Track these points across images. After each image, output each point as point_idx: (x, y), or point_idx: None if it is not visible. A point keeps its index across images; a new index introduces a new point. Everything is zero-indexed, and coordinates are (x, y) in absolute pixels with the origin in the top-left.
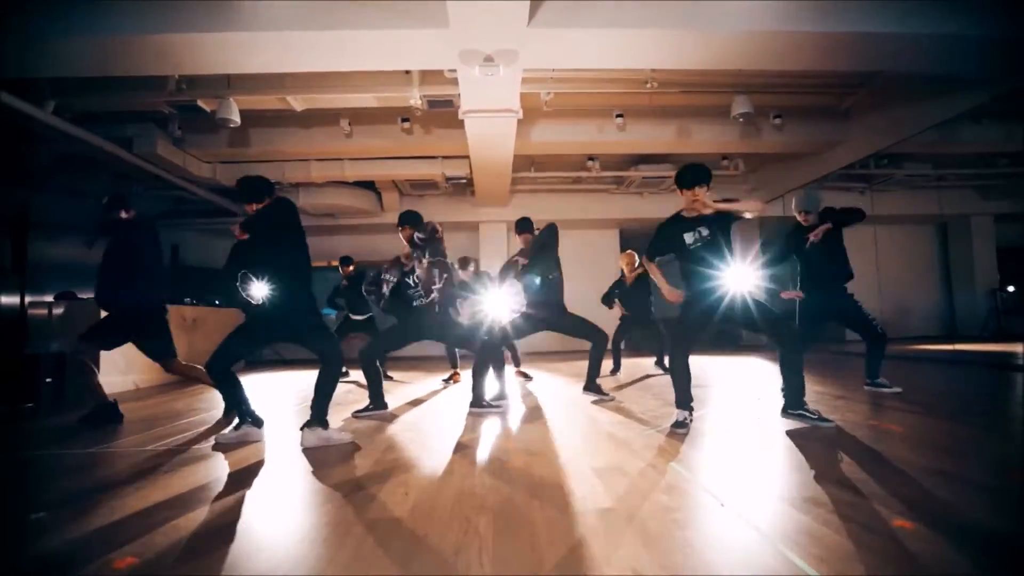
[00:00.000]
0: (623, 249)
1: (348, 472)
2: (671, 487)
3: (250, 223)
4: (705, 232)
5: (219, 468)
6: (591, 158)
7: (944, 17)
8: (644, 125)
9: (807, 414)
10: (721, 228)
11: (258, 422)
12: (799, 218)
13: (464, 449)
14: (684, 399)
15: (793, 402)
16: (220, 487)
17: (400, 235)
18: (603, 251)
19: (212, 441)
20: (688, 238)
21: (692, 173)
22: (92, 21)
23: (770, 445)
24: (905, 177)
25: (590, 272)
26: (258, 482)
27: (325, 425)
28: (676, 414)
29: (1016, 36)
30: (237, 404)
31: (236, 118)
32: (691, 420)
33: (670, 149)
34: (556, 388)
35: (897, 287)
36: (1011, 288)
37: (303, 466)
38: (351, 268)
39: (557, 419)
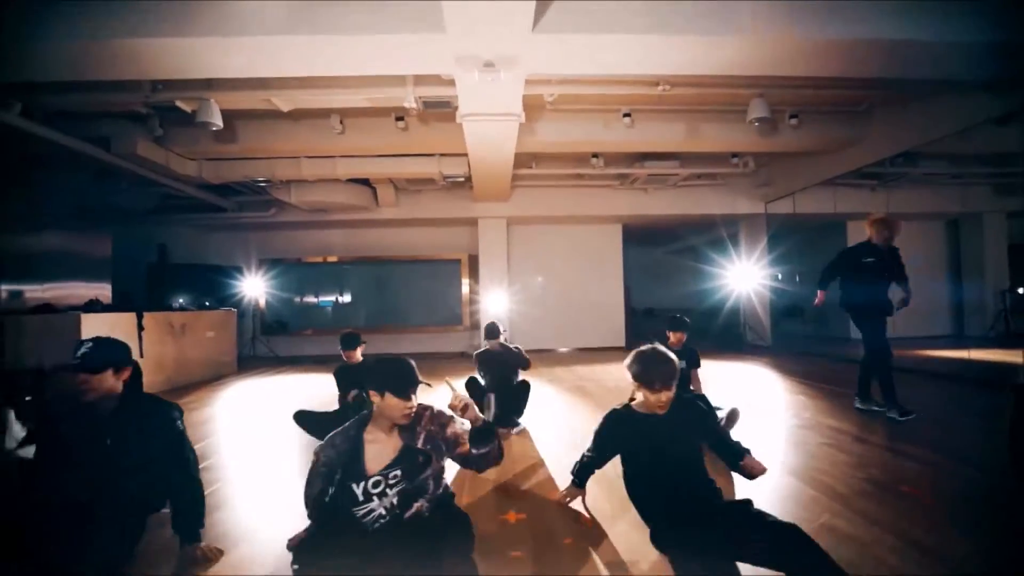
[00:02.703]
0: (625, 244)
1: None
2: None
3: None
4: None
5: None
6: (595, 155)
7: (965, 24)
8: (652, 123)
9: None
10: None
11: None
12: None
13: None
14: None
15: None
16: None
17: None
18: (605, 246)
19: None
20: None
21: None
22: (61, 26)
23: None
24: (920, 175)
25: (591, 267)
26: None
27: None
28: None
29: None
30: None
31: (218, 121)
32: None
33: (679, 148)
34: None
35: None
36: (1021, 290)
37: None
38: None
39: None
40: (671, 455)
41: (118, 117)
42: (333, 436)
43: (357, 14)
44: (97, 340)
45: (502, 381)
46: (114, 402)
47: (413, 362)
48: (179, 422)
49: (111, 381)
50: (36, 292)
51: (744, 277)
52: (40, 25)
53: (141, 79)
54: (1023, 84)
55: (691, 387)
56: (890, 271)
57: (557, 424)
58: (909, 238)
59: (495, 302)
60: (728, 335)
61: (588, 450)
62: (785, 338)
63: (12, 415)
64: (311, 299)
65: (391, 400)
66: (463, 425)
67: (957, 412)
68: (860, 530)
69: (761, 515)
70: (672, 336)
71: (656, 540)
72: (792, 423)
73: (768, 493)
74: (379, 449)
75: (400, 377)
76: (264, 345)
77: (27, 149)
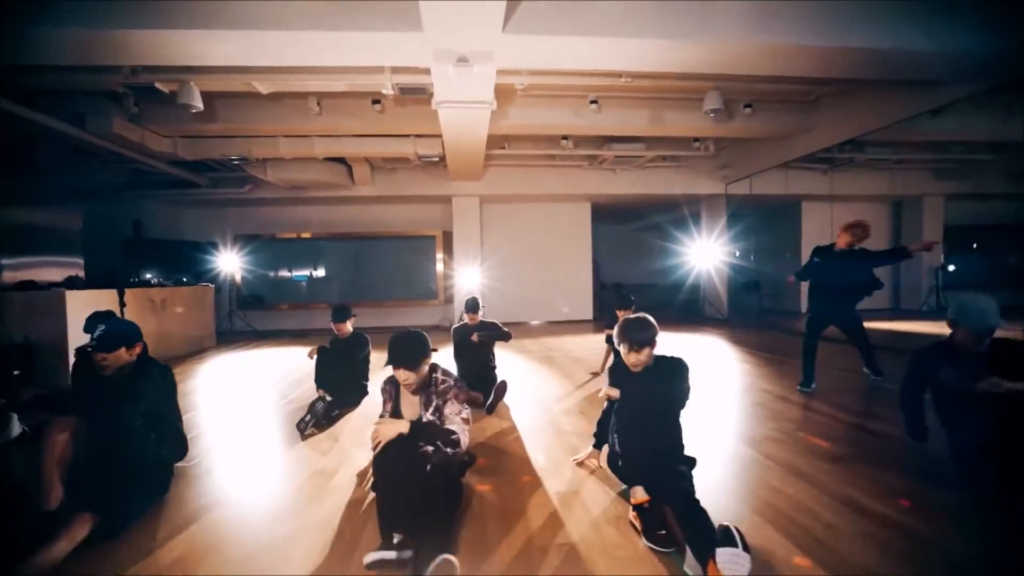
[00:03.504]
0: (594, 222)
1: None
2: None
3: None
4: None
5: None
6: (565, 137)
7: (906, 33)
8: (618, 110)
9: None
10: None
11: None
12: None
13: None
14: None
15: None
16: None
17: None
18: (575, 224)
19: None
20: None
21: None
22: (51, 13)
23: None
24: (866, 160)
25: (561, 243)
26: None
27: None
28: None
29: (965, 51)
30: None
31: (198, 103)
32: None
33: (644, 132)
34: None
35: None
36: (952, 267)
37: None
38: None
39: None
40: (643, 408)
41: (94, 95)
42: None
43: (338, 13)
44: (109, 323)
45: (476, 357)
46: (127, 370)
47: (423, 336)
48: (173, 379)
49: (124, 356)
50: (8, 265)
51: (704, 254)
52: (31, 12)
53: (125, 65)
54: (956, 82)
55: None
56: (858, 271)
57: (526, 389)
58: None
59: (469, 277)
60: (688, 308)
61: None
62: (742, 311)
63: (15, 417)
64: (285, 274)
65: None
66: (464, 410)
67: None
68: (757, 464)
69: (685, 477)
70: (620, 312)
71: (615, 471)
72: (735, 386)
73: (701, 438)
74: (409, 403)
75: (389, 351)
76: (241, 319)
77: (4, 128)
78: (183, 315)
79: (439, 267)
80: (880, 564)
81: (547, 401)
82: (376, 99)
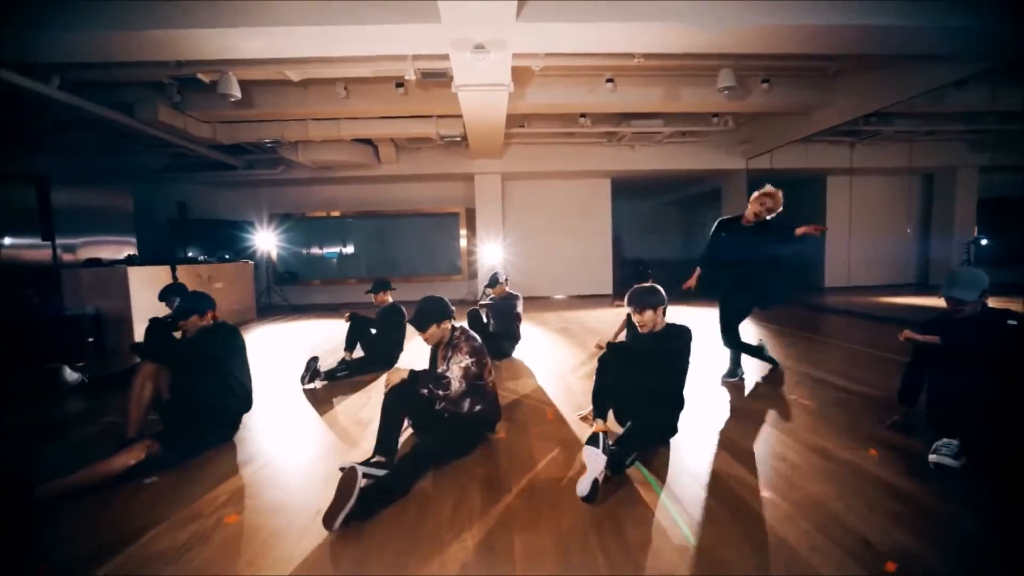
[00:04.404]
0: (615, 198)
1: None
2: None
3: None
4: None
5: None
6: (582, 115)
7: (923, 10)
8: (634, 87)
9: None
10: None
11: None
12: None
13: None
14: None
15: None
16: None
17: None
18: (595, 200)
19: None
20: None
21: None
22: (96, 16)
23: None
24: (895, 132)
25: (582, 219)
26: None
27: None
28: None
29: (977, 25)
30: None
31: (237, 92)
32: None
33: (660, 109)
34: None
35: (876, 238)
36: (984, 241)
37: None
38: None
39: None
40: (645, 364)
41: (140, 85)
42: None
43: (362, 9)
44: (183, 296)
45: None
46: (203, 332)
47: (432, 306)
48: (240, 340)
49: (197, 322)
50: (72, 244)
51: None
52: (84, 15)
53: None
54: (979, 58)
55: None
56: (763, 248)
57: (542, 354)
58: (886, 191)
59: (491, 253)
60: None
61: None
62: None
63: (67, 368)
64: (317, 251)
65: None
66: (465, 360)
67: (879, 348)
68: (743, 417)
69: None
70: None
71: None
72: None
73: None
74: (442, 357)
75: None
76: (278, 294)
77: (59, 115)
78: (226, 290)
79: (463, 243)
80: (834, 497)
81: (561, 368)
82: (399, 83)
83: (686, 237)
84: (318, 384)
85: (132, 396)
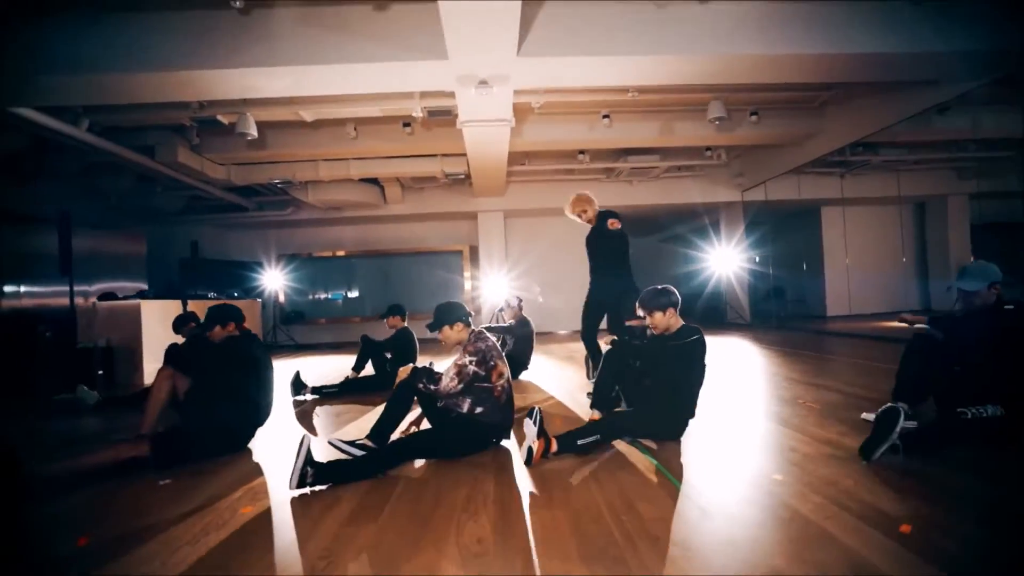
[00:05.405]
0: None
1: None
2: None
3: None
4: None
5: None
6: (581, 152)
7: (902, 38)
8: (630, 123)
9: None
10: None
11: None
12: None
13: None
14: None
15: None
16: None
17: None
18: None
19: None
20: None
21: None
22: (123, 58)
23: None
24: (882, 162)
25: (583, 255)
26: None
27: None
28: None
29: (960, 50)
30: None
31: (254, 131)
32: None
33: (655, 143)
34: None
35: (874, 267)
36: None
37: None
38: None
39: None
40: (654, 363)
41: (161, 128)
42: None
43: (375, 47)
44: (209, 310)
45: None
46: (227, 342)
47: (445, 311)
48: (257, 355)
49: (221, 332)
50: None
51: (725, 261)
52: (110, 59)
53: (194, 101)
54: (952, 81)
55: None
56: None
57: (549, 378)
58: (880, 220)
59: (495, 290)
60: (711, 314)
61: None
62: (764, 317)
63: (84, 387)
64: (323, 294)
65: None
66: (463, 358)
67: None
68: (759, 420)
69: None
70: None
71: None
72: (753, 371)
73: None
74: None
75: None
76: (284, 333)
77: (86, 158)
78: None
79: (467, 280)
80: (845, 476)
81: (569, 386)
82: (407, 122)
83: (685, 270)
84: (307, 396)
85: (149, 396)
